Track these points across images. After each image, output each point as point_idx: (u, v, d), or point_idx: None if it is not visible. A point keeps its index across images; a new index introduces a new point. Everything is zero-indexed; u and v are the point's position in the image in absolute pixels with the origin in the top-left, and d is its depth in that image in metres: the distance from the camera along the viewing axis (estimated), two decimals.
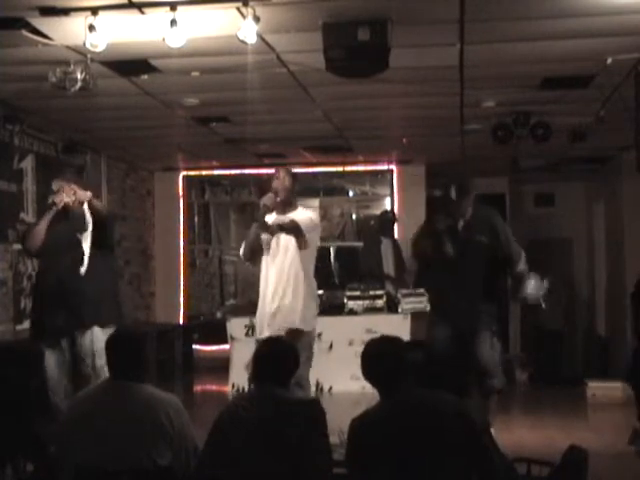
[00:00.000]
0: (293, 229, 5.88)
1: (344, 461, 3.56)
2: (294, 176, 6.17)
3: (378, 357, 3.63)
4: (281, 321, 5.89)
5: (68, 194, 5.55)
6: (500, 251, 6.24)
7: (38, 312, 5.91)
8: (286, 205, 6.02)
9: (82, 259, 5.67)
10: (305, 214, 6.15)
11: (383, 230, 10.83)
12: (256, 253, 6.05)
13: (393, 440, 3.34)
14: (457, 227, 6.24)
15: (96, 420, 3.72)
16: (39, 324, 5.85)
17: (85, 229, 5.70)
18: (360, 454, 3.42)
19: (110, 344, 3.98)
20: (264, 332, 5.89)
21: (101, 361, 5.21)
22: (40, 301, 5.88)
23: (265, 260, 6.04)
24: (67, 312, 5.63)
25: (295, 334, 5.72)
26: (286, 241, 5.99)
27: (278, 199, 5.93)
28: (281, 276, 5.96)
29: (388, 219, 11.01)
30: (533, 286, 6.40)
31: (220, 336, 10.07)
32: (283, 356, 3.90)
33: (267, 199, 5.89)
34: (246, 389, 8.39)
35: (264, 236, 5.96)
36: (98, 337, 5.55)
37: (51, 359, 5.68)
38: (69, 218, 5.69)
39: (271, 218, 5.96)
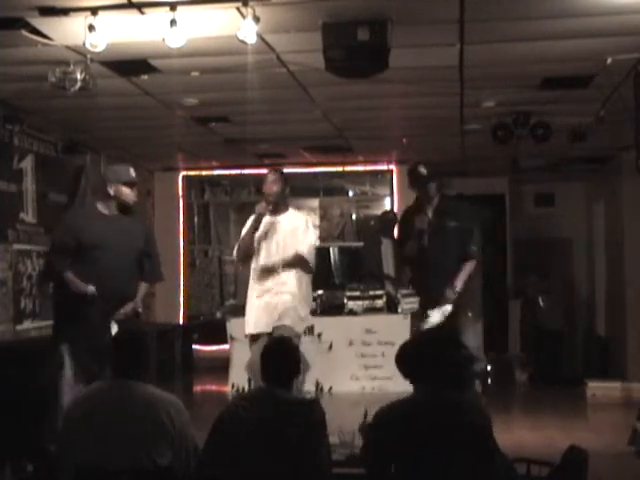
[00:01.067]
0: (297, 262, 6.02)
1: (361, 449, 3.56)
2: (285, 179, 6.24)
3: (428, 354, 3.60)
4: (270, 319, 5.99)
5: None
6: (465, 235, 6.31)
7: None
8: (277, 207, 6.16)
9: None
10: (297, 218, 6.28)
11: (383, 230, 10.82)
12: (249, 255, 6.22)
13: (420, 434, 3.35)
14: (427, 214, 6.43)
15: (96, 419, 3.72)
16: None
17: None
18: (382, 444, 3.42)
19: (113, 343, 3.98)
20: (253, 328, 6.02)
21: None
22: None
23: (256, 259, 6.16)
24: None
25: (285, 332, 5.79)
26: (283, 241, 6.04)
27: (269, 206, 6.09)
28: (275, 275, 6.04)
29: (389, 219, 11.00)
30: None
31: (220, 336, 10.07)
32: (285, 357, 3.90)
33: (260, 208, 6.07)
34: (246, 389, 8.39)
35: (259, 208, 6.09)
36: None
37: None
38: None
39: (264, 221, 6.14)
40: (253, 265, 6.26)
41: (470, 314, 6.33)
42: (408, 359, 3.64)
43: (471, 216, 6.51)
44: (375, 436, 3.48)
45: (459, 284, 6.18)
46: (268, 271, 6.13)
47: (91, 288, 5.54)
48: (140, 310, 5.99)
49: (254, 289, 6.25)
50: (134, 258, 5.89)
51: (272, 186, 6.12)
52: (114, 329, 5.60)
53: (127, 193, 5.80)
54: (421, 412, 3.44)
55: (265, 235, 6.17)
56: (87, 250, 5.63)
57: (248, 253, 6.23)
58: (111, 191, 5.76)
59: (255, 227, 6.12)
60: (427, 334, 3.72)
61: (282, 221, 6.21)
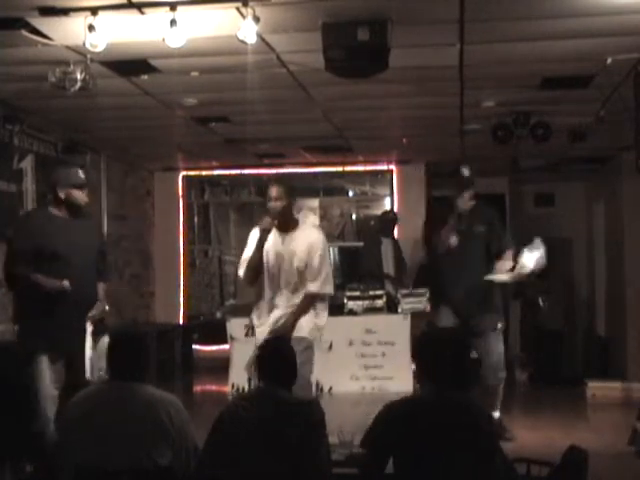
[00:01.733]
0: (309, 304, 5.76)
1: (363, 439, 3.54)
2: (290, 190, 5.77)
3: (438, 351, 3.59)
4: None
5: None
6: (494, 243, 6.74)
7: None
8: (285, 224, 5.72)
9: None
10: (309, 237, 5.76)
11: (384, 230, 10.83)
12: (258, 274, 5.80)
13: (423, 433, 3.34)
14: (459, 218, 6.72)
15: (96, 420, 3.71)
16: None
17: None
18: (387, 439, 3.41)
19: (111, 344, 3.97)
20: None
21: None
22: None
23: (268, 274, 5.80)
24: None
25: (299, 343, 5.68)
26: (293, 267, 5.72)
27: (275, 222, 5.65)
28: (289, 297, 5.82)
29: (389, 219, 11.01)
30: (530, 258, 6.58)
31: (220, 336, 10.06)
32: (285, 357, 3.90)
33: (265, 224, 5.62)
34: (246, 389, 8.39)
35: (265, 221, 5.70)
36: None
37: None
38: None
39: (272, 237, 5.71)
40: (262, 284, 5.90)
41: (500, 325, 6.76)
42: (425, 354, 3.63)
43: (495, 215, 6.98)
44: (380, 427, 3.47)
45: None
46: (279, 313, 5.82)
47: (65, 283, 5.45)
48: (107, 309, 5.93)
49: (264, 310, 5.91)
50: (94, 259, 5.84)
51: (276, 203, 5.63)
52: (89, 330, 5.64)
53: (78, 195, 5.70)
54: (426, 411, 3.44)
55: (274, 257, 5.72)
56: (49, 254, 5.53)
57: (257, 274, 5.79)
58: (62, 195, 5.65)
59: (261, 246, 5.66)
60: (437, 333, 3.70)
61: (292, 241, 5.73)
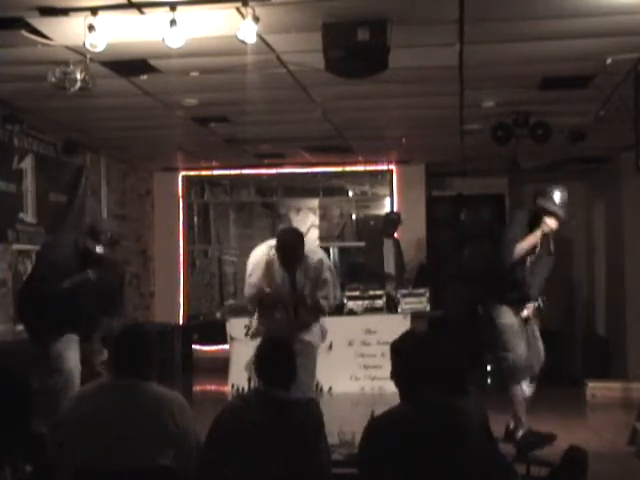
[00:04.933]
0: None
1: (356, 458, 3.53)
2: (300, 237, 5.85)
3: (398, 354, 3.57)
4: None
5: None
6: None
7: None
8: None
9: None
10: (313, 262, 5.90)
11: (386, 231, 10.84)
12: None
13: (412, 443, 3.32)
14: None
15: (98, 418, 3.69)
16: None
17: None
18: (376, 454, 3.39)
19: (116, 341, 3.96)
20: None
21: None
22: None
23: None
24: None
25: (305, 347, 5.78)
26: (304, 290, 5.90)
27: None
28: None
29: (393, 220, 11.01)
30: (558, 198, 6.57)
31: (220, 336, 10.06)
32: (283, 358, 3.89)
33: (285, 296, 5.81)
34: (246, 389, 8.39)
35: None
36: None
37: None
38: None
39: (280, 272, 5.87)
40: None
41: (538, 323, 6.99)
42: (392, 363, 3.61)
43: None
44: (369, 447, 3.45)
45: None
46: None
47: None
48: None
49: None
50: None
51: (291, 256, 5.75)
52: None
53: None
54: (415, 420, 3.42)
55: (287, 292, 5.87)
56: None
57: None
58: None
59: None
60: (422, 335, 3.66)
61: (301, 274, 5.88)
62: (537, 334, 7.00)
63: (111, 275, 6.49)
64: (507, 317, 6.81)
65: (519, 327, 6.83)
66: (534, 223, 6.57)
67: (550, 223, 6.50)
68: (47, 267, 6.15)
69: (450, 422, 3.36)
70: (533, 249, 6.62)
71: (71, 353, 6.23)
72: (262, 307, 6.03)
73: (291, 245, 5.72)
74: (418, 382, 3.45)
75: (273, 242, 5.91)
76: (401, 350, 3.54)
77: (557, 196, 6.52)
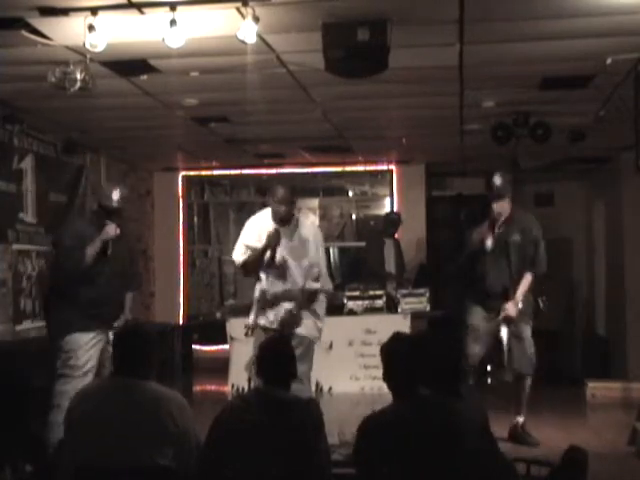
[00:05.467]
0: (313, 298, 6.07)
1: (352, 458, 3.54)
2: (293, 191, 6.26)
3: (389, 355, 3.59)
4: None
5: None
6: (529, 254, 6.84)
7: None
8: (288, 223, 6.14)
9: None
10: (310, 228, 6.26)
11: (387, 231, 10.84)
12: (256, 270, 6.20)
13: (405, 442, 3.32)
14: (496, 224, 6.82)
15: (98, 417, 3.69)
16: None
17: None
18: (370, 453, 3.40)
19: (116, 340, 3.96)
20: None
21: None
22: None
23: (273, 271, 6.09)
24: None
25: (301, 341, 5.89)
26: (300, 257, 6.05)
27: (280, 224, 6.05)
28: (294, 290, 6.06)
29: (393, 220, 11.01)
30: None
31: (220, 336, 10.06)
32: (284, 357, 3.89)
33: (273, 237, 6.00)
34: (246, 389, 8.39)
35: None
36: None
37: None
38: None
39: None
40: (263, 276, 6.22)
41: (531, 322, 6.92)
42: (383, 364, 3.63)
43: (534, 226, 7.02)
44: (363, 447, 3.45)
45: (519, 298, 6.72)
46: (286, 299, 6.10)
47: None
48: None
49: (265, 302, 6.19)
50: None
51: (282, 206, 6.09)
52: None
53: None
54: (407, 418, 3.42)
55: (281, 256, 6.08)
56: None
57: (256, 270, 6.21)
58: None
59: (265, 250, 6.06)
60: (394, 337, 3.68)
61: (297, 239, 6.14)
62: (525, 335, 6.89)
63: (126, 239, 6.49)
64: (473, 317, 6.86)
65: (484, 329, 6.82)
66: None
67: (495, 207, 6.82)
68: (67, 246, 6.09)
69: (443, 420, 3.37)
70: (489, 234, 6.75)
71: (92, 350, 6.15)
72: (254, 271, 6.18)
73: (283, 195, 6.11)
74: (409, 381, 3.48)
75: (267, 210, 6.24)
76: (390, 352, 3.61)
77: (495, 180, 6.90)
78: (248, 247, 6.21)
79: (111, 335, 5.85)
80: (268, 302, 6.12)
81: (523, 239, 6.85)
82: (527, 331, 6.91)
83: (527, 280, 6.82)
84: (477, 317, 6.84)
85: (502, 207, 6.88)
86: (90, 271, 6.02)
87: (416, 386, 3.48)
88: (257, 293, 6.29)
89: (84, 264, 5.98)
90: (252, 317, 6.30)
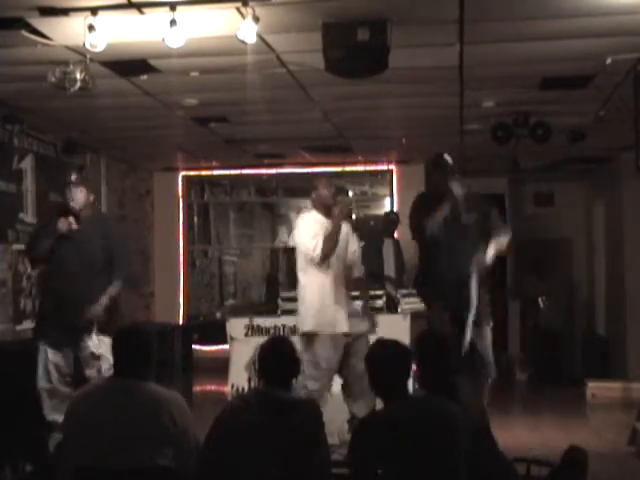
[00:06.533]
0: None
1: (347, 459, 3.54)
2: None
3: (377, 361, 3.61)
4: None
5: None
6: (489, 231, 6.29)
7: None
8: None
9: None
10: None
11: (386, 231, 10.83)
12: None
13: (400, 443, 3.32)
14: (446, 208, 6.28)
15: (97, 418, 3.68)
16: None
17: None
18: (365, 454, 3.40)
19: (115, 341, 3.96)
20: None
21: None
22: None
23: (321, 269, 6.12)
24: None
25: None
26: (345, 246, 6.30)
27: (326, 216, 6.25)
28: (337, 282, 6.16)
29: (391, 220, 11.00)
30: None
31: (220, 336, 10.05)
32: (284, 357, 3.89)
33: (346, 205, 6.57)
34: (246, 389, 8.39)
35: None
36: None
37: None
38: None
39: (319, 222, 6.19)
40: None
41: (491, 323, 6.43)
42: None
43: (486, 203, 6.63)
44: (357, 450, 3.45)
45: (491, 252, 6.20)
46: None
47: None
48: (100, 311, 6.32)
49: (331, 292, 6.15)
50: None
51: (327, 189, 6.51)
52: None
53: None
54: (404, 419, 3.42)
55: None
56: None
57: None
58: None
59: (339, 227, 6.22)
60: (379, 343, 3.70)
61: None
62: (485, 334, 6.39)
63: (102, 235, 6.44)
64: (433, 315, 6.63)
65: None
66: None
67: (453, 187, 6.24)
68: (31, 233, 6.58)
69: (438, 421, 3.37)
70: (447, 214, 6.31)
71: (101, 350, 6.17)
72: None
73: (326, 180, 6.68)
74: (396, 386, 3.50)
75: (307, 213, 6.39)
76: (372, 359, 3.64)
77: (447, 157, 6.42)
78: (317, 235, 6.11)
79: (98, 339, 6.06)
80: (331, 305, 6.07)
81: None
82: (487, 333, 6.48)
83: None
84: (435, 315, 6.61)
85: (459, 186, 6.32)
86: (52, 257, 6.22)
87: (405, 389, 3.51)
88: (315, 295, 6.14)
89: (35, 251, 6.37)
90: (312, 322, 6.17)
